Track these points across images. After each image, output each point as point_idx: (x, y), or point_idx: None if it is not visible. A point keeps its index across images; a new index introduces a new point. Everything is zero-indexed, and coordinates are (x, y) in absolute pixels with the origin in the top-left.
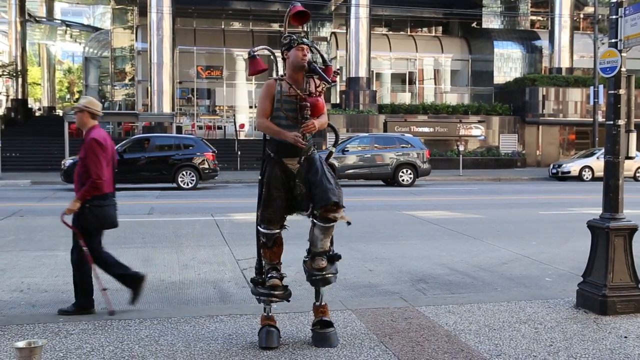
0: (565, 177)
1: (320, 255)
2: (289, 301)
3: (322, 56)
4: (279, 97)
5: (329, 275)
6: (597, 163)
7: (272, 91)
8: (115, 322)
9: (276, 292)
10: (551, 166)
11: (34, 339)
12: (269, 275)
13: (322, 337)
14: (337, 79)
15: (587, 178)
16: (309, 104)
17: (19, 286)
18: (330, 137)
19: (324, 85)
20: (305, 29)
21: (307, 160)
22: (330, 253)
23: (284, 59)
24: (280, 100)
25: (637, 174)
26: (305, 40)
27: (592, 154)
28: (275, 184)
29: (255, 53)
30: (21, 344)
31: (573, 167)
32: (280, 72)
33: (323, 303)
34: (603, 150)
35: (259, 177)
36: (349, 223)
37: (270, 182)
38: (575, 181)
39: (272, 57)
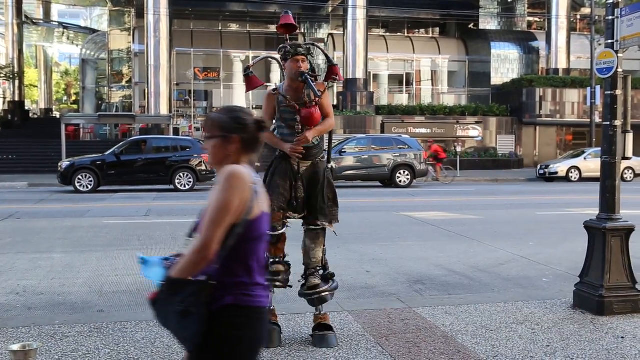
0: (552, 178)
1: (313, 273)
2: (291, 287)
3: (326, 56)
4: (278, 107)
5: (325, 293)
6: (585, 164)
7: (273, 102)
8: (112, 324)
9: (279, 277)
10: (538, 167)
11: (29, 341)
12: (271, 261)
13: (321, 339)
14: (340, 76)
15: (574, 179)
16: (299, 118)
17: (14, 289)
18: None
19: (319, 93)
20: (302, 31)
21: (313, 166)
22: (324, 272)
23: (283, 69)
24: (280, 110)
25: (624, 175)
26: (300, 49)
27: (579, 155)
28: (280, 174)
29: (250, 70)
30: (16, 347)
31: (560, 167)
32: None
33: (323, 312)
34: (591, 151)
35: (265, 170)
36: (334, 232)
37: (276, 171)
38: (562, 182)
39: (276, 62)
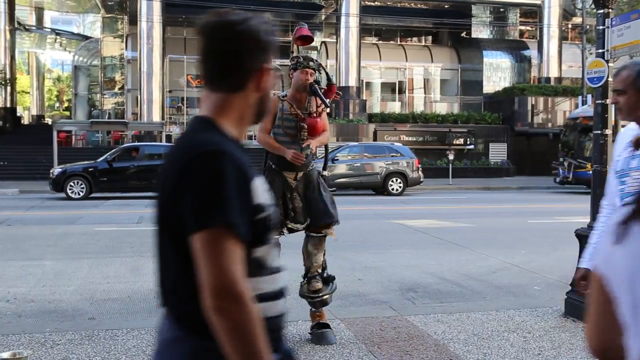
0: None
1: (315, 276)
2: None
3: (327, 74)
4: (280, 114)
5: (326, 296)
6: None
7: (275, 109)
8: (103, 332)
9: None
10: None
11: (19, 349)
12: None
13: (319, 337)
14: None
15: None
16: (306, 126)
17: (4, 296)
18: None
19: (323, 107)
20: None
21: (305, 176)
22: (325, 275)
23: (289, 76)
24: (282, 117)
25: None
26: (311, 63)
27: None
28: (273, 192)
29: None
30: (6, 354)
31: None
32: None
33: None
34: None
35: None
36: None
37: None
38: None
39: (278, 71)
